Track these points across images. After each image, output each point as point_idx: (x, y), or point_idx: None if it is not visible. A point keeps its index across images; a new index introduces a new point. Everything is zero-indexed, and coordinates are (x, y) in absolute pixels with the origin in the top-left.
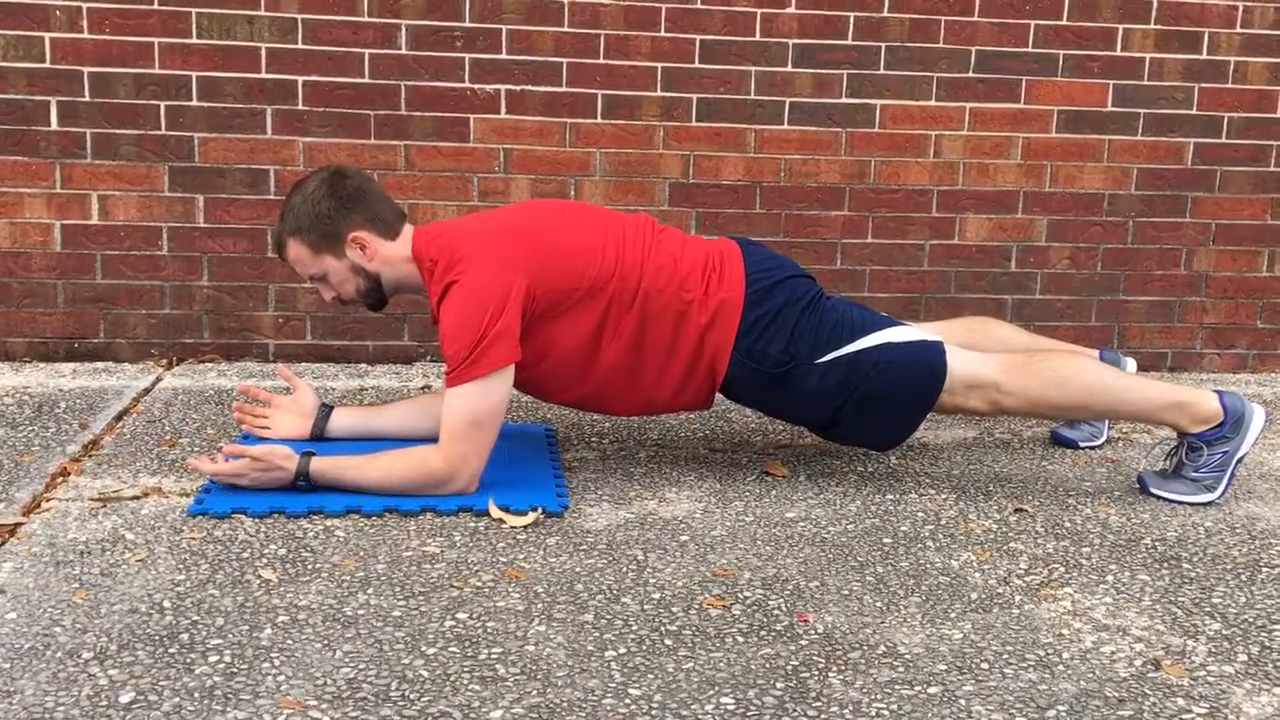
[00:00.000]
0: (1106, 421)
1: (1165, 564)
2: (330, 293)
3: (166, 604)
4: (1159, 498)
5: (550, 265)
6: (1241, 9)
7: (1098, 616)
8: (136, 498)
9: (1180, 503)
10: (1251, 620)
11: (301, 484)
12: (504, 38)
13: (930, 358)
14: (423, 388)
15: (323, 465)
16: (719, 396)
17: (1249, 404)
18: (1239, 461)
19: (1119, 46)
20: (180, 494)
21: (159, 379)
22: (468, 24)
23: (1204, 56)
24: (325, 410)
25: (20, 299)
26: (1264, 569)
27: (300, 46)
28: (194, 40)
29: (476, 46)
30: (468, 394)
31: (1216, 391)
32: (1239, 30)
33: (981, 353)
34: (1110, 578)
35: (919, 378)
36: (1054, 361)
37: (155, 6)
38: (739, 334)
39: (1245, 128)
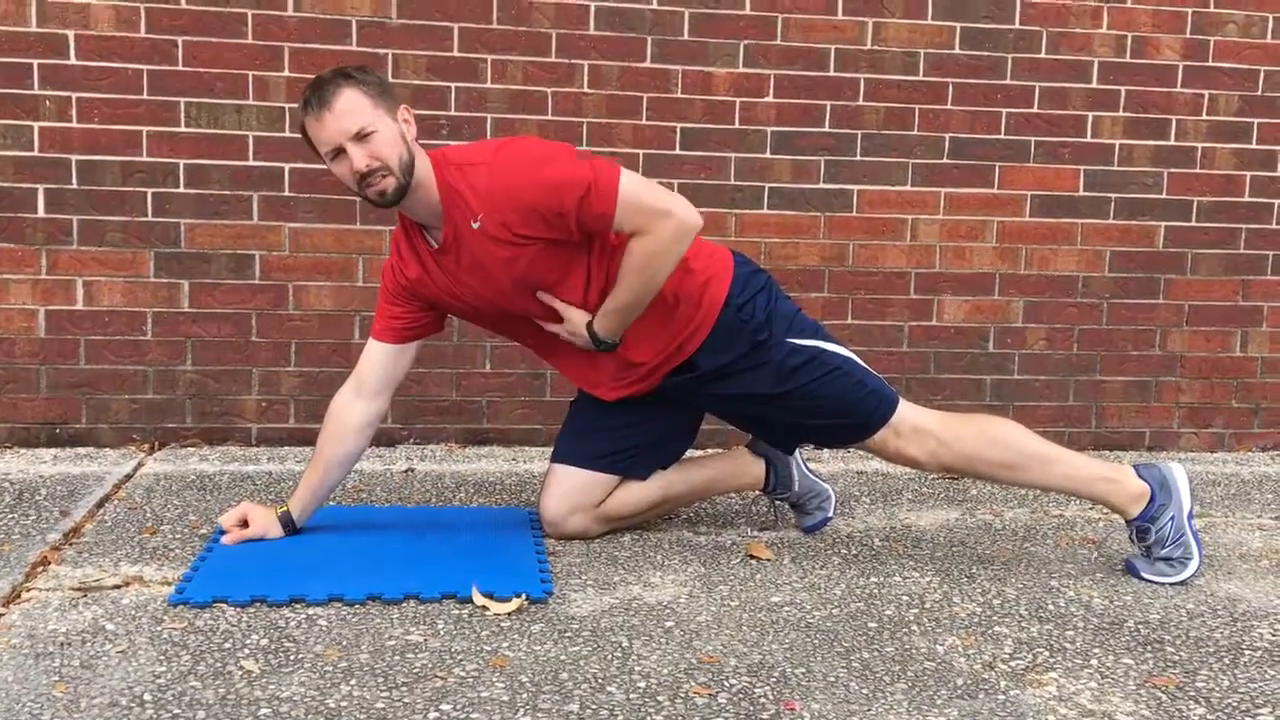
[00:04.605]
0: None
1: (1149, 647)
2: (364, 159)
3: (147, 697)
4: (1150, 582)
5: None
6: (1207, 96)
7: (1083, 702)
8: (117, 587)
9: (1171, 583)
10: (1235, 705)
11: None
12: (489, 126)
13: (885, 392)
14: (406, 470)
15: None
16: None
17: (1162, 465)
18: (1191, 518)
19: (1089, 133)
20: (161, 582)
21: (140, 464)
22: (453, 113)
23: (1172, 143)
24: (284, 514)
25: (3, 385)
26: (1246, 651)
27: (288, 134)
28: (182, 129)
29: (462, 134)
30: (626, 185)
31: (1133, 467)
32: (1205, 117)
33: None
34: (1095, 661)
35: (867, 400)
36: (988, 421)
37: (144, 96)
38: (730, 294)
39: (1214, 211)
